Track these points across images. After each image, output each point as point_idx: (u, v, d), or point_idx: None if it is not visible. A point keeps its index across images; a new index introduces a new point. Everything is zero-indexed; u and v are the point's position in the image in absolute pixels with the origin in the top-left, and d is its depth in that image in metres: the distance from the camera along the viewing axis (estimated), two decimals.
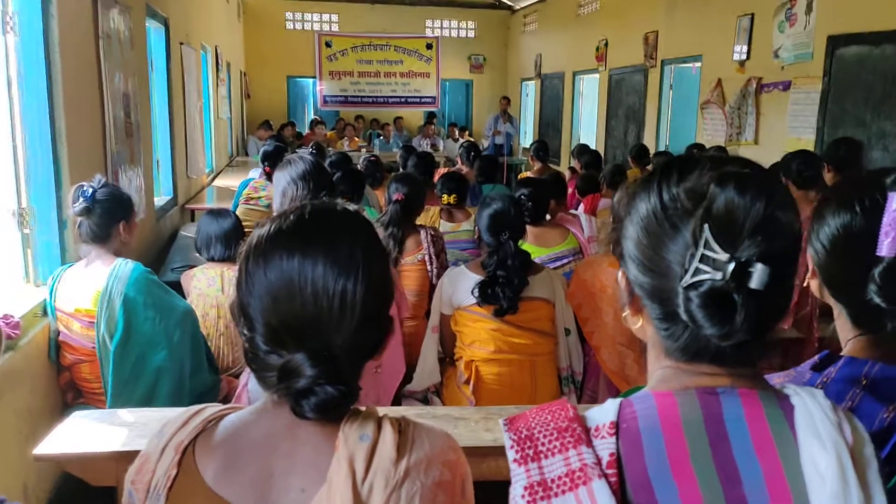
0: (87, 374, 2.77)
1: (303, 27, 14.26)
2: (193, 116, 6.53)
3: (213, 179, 7.94)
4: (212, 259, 3.42)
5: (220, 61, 8.90)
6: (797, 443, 0.80)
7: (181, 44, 6.03)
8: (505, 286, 2.72)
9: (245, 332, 0.96)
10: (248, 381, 2.84)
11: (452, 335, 2.94)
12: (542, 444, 0.83)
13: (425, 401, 2.96)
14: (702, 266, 0.77)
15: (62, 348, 2.76)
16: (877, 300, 1.01)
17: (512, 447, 0.84)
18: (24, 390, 2.58)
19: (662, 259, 0.83)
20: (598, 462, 0.80)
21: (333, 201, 1.04)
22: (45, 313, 2.74)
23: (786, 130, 6.22)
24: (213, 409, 1.02)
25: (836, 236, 1.08)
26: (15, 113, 2.82)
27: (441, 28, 14.86)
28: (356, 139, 12.54)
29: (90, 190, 2.53)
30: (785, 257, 0.80)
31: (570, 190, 6.26)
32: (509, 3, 14.47)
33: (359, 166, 5.30)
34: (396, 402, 2.85)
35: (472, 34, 15.04)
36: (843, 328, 1.13)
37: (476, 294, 2.75)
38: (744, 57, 6.86)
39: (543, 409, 0.88)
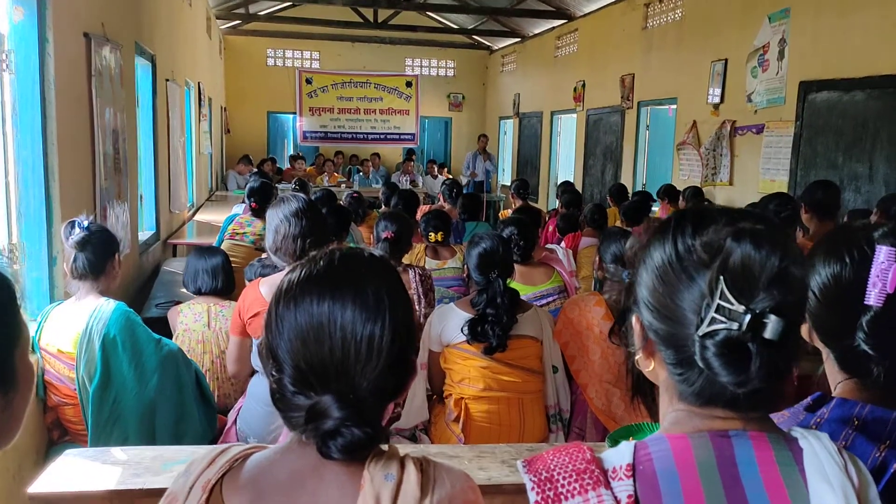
0: (71, 415, 2.74)
1: (283, 63, 14.38)
2: (177, 151, 6.55)
3: (193, 214, 7.93)
4: (198, 291, 3.42)
5: (202, 97, 8.95)
6: (806, 485, 0.83)
7: (167, 80, 6.07)
8: (494, 324, 2.76)
9: (273, 373, 0.99)
10: (238, 419, 2.85)
11: (441, 373, 2.96)
12: (562, 486, 0.86)
13: (413, 438, 2.97)
14: (717, 316, 0.82)
15: (47, 388, 2.74)
16: (864, 347, 1.07)
17: (533, 489, 0.87)
18: None
19: (677, 307, 0.87)
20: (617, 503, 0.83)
21: (360, 248, 1.08)
22: (32, 350, 2.73)
23: (759, 172, 6.39)
24: (238, 447, 1.04)
25: (827, 286, 1.13)
26: (9, 149, 2.83)
27: (421, 66, 15.07)
28: (336, 174, 12.60)
29: (86, 223, 2.55)
30: (797, 309, 0.85)
31: (550, 228, 6.36)
32: (487, 44, 14.75)
33: (341, 202, 5.35)
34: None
35: (451, 73, 15.27)
36: (832, 372, 1.18)
37: (466, 332, 2.78)
38: (717, 100, 7.06)
39: (560, 450, 0.92)
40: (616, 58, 9.34)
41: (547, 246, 4.59)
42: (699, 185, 6.99)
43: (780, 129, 6.11)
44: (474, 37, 14.51)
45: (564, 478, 0.87)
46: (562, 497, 0.85)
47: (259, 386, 2.72)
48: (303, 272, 1.02)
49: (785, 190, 5.74)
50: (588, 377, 2.91)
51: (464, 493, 0.98)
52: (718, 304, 0.82)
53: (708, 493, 0.83)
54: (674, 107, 8.10)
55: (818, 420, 1.12)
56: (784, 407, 1.23)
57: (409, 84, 14.51)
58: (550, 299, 3.59)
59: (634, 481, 0.85)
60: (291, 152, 14.08)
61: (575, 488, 0.85)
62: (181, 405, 2.70)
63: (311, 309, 0.97)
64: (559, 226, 5.83)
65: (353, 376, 0.95)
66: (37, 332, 2.71)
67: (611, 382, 2.87)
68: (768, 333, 0.80)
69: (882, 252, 1.04)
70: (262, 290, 2.66)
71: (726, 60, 6.94)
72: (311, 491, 0.96)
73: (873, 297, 1.04)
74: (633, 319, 0.96)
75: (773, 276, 0.82)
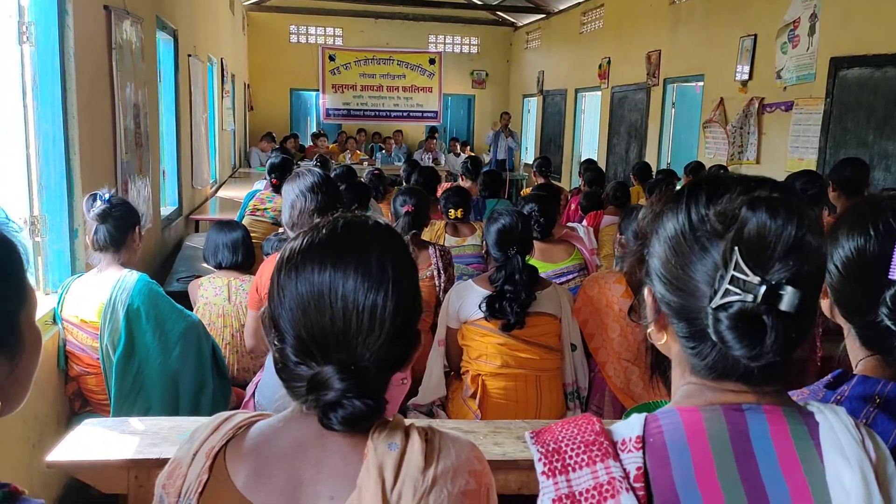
0: (93, 385, 2.78)
1: (307, 41, 14.34)
2: (199, 127, 6.57)
3: (216, 190, 7.97)
4: (219, 265, 3.43)
5: (225, 73, 8.95)
6: (822, 460, 0.81)
7: (189, 56, 6.07)
8: (512, 301, 2.74)
9: (276, 342, 0.97)
10: (255, 393, 2.86)
11: (459, 349, 2.95)
12: (570, 458, 0.84)
13: (430, 414, 2.97)
14: (731, 287, 0.78)
15: (69, 358, 2.77)
16: (888, 322, 1.03)
17: (540, 460, 0.85)
18: (32, 397, 2.57)
19: (690, 279, 0.84)
20: (626, 476, 0.81)
21: (365, 215, 1.06)
22: (54, 321, 2.76)
23: (787, 150, 6.26)
24: (242, 415, 1.03)
25: (850, 259, 1.09)
26: (29, 122, 2.85)
27: (444, 43, 14.95)
28: (358, 152, 12.59)
29: (107, 195, 2.57)
30: (814, 280, 0.81)
31: (573, 206, 6.30)
32: (512, 20, 14.57)
33: (363, 179, 5.33)
34: (402, 414, 2.86)
35: (474, 50, 15.13)
36: (854, 348, 1.15)
37: (483, 308, 2.76)
38: (746, 77, 6.92)
39: (569, 422, 0.90)
40: (642, 34, 9.18)
41: (568, 224, 4.54)
42: (725, 164, 6.87)
43: (810, 106, 5.97)
44: (498, 13, 14.34)
45: (573, 449, 0.85)
46: (569, 468, 0.83)
47: None
48: (305, 240, 0.99)
49: (813, 169, 5.63)
50: (606, 355, 2.88)
51: (469, 462, 0.96)
52: (733, 276, 0.78)
53: (720, 467, 0.80)
54: (701, 84, 7.96)
55: (838, 397, 1.09)
56: (802, 381, 1.20)
57: (432, 61, 14.43)
58: (570, 277, 3.55)
59: (644, 453, 0.82)
60: (314, 129, 14.08)
61: (583, 460, 0.83)
62: (201, 376, 2.73)
63: (312, 278, 0.94)
64: (581, 203, 5.77)
65: (356, 347, 0.93)
66: (58, 303, 2.74)
67: (629, 360, 2.84)
68: (784, 305, 0.77)
69: None
70: None
71: (755, 36, 6.79)
72: (313, 460, 0.95)
73: None
74: (646, 291, 0.93)
75: (789, 246, 0.78)
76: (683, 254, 0.85)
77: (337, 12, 13.61)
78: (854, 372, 1.13)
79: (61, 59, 2.88)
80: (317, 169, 2.81)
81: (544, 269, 3.42)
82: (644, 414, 0.88)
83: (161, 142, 5.28)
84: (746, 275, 0.78)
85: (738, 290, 0.78)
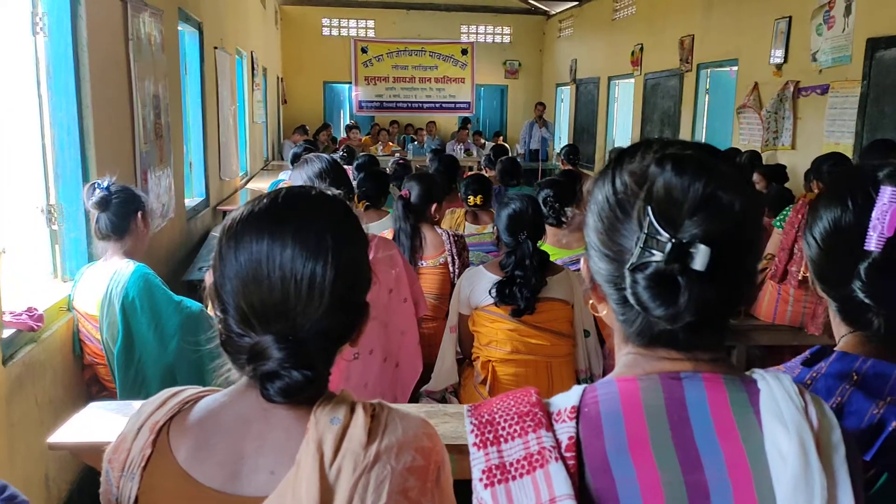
0: (104, 374, 2.80)
1: (339, 33, 14.39)
2: (227, 120, 6.63)
3: (247, 182, 8.05)
4: None
5: (255, 66, 9.03)
6: (761, 427, 0.78)
7: (215, 48, 6.12)
8: (522, 286, 2.70)
9: (219, 313, 0.96)
10: None
11: (470, 335, 2.93)
12: (503, 429, 0.83)
13: (443, 401, 2.95)
14: (646, 248, 0.77)
15: (83, 346, 2.81)
16: (861, 296, 0.99)
17: (472, 431, 0.83)
18: (46, 382, 2.63)
19: (617, 244, 0.83)
20: (557, 445, 0.80)
21: (311, 186, 1.04)
22: (68, 309, 2.80)
23: (823, 135, 6.09)
24: (191, 391, 1.02)
25: (827, 231, 1.06)
26: (44, 112, 2.89)
27: (476, 33, 14.87)
28: (390, 144, 12.60)
29: (105, 183, 2.57)
30: (730, 238, 0.78)
31: None
32: (545, 9, 14.42)
33: (387, 169, 5.32)
34: (414, 401, 2.85)
35: (507, 39, 15.02)
36: (836, 324, 1.11)
37: (493, 294, 2.73)
38: (781, 60, 6.74)
39: (508, 395, 0.88)
40: (675, 19, 9.00)
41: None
42: (759, 150, 6.70)
43: (846, 89, 5.78)
44: (531, 1, 14.20)
45: (506, 420, 0.83)
46: (501, 439, 0.82)
47: None
48: (245, 210, 0.98)
49: (850, 153, 5.45)
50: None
51: (417, 439, 0.94)
52: (646, 236, 0.77)
53: (653, 435, 0.79)
54: (735, 68, 7.77)
55: (814, 374, 1.04)
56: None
57: (464, 52, 14.34)
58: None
59: (578, 423, 0.81)
60: (347, 122, 14.14)
61: (515, 431, 0.82)
62: (200, 367, 2.73)
63: (251, 247, 0.93)
64: None
65: (295, 317, 0.91)
66: (72, 291, 2.78)
67: None
68: (696, 264, 0.75)
69: (886, 193, 0.96)
70: None
71: (790, 18, 6.60)
72: (256, 434, 0.93)
73: (873, 242, 0.96)
74: (582, 262, 0.92)
75: (697, 203, 0.77)
76: (609, 220, 0.84)
77: (369, 4, 13.63)
78: (836, 348, 1.08)
79: (74, 49, 2.92)
80: (325, 155, 2.80)
81: (559, 256, 3.37)
82: (584, 385, 0.86)
83: (187, 133, 5.34)
84: (659, 234, 0.76)
85: (651, 251, 0.76)
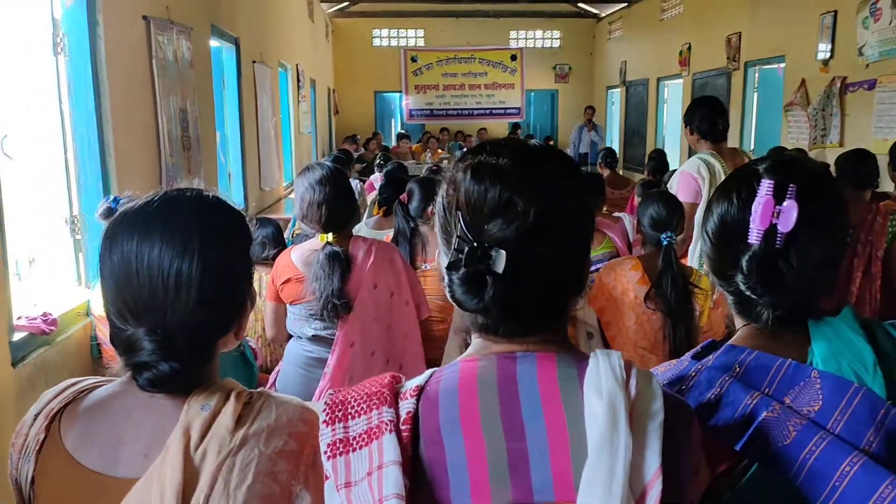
0: None
1: (389, 43, 14.59)
2: (268, 132, 6.81)
3: (291, 191, 8.24)
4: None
5: (301, 78, 9.24)
6: (583, 398, 0.84)
7: (254, 62, 6.31)
8: None
9: (106, 311, 1.02)
10: (276, 381, 2.95)
11: None
12: (352, 407, 0.89)
13: None
14: (458, 250, 0.84)
15: (101, 349, 2.95)
16: (742, 288, 1.02)
17: (324, 410, 0.89)
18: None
19: (449, 245, 0.89)
20: (396, 420, 0.85)
21: (189, 188, 1.09)
22: (87, 313, 2.94)
23: (872, 131, 5.87)
24: (89, 381, 1.10)
25: (716, 225, 1.10)
26: (66, 127, 3.05)
27: (525, 39, 14.84)
28: (439, 151, 12.69)
29: (115, 198, 2.70)
30: (529, 240, 0.83)
31: (637, 199, 6.11)
32: (594, 11, 14.30)
33: (422, 175, 5.38)
34: None
35: (556, 44, 14.94)
36: (735, 317, 1.13)
37: None
38: (827, 56, 6.52)
39: (366, 381, 0.93)
40: (722, 16, 8.81)
41: (614, 213, 4.42)
42: (807, 149, 6.50)
43: (894, 83, 5.56)
44: (580, 4, 14.10)
45: (356, 400, 0.89)
46: (349, 416, 0.88)
47: (294, 349, 2.80)
48: (121, 213, 1.04)
49: None
50: (623, 343, 2.80)
51: (292, 424, 0.99)
52: (458, 239, 0.85)
53: (483, 409, 0.84)
54: (782, 65, 7.56)
55: (699, 367, 1.07)
56: None
57: (513, 58, 14.36)
58: (600, 266, 3.46)
59: (419, 400, 0.87)
60: (399, 130, 14.31)
61: (362, 408, 0.88)
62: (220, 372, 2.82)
63: (123, 248, 0.99)
64: (637, 193, 5.60)
65: (164, 312, 0.97)
66: (90, 296, 2.92)
67: (646, 349, 2.75)
68: (496, 267, 0.82)
69: (764, 186, 0.99)
70: (292, 256, 2.73)
71: (836, 12, 6.38)
72: (137, 421, 1.00)
73: (753, 234, 1.00)
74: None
75: (494, 209, 0.83)
76: (442, 221, 0.93)
77: (418, 13, 13.77)
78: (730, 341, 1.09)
79: (94, 68, 3.08)
80: (327, 163, 2.87)
81: None
82: (434, 369, 0.93)
83: (225, 145, 5.51)
84: (466, 238, 0.84)
85: (460, 253, 0.84)
